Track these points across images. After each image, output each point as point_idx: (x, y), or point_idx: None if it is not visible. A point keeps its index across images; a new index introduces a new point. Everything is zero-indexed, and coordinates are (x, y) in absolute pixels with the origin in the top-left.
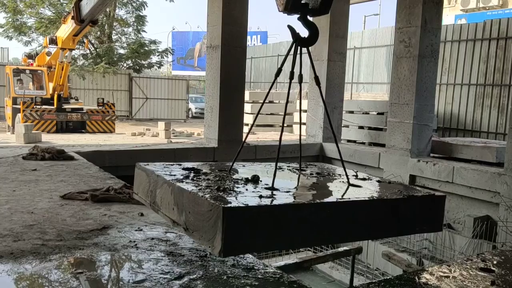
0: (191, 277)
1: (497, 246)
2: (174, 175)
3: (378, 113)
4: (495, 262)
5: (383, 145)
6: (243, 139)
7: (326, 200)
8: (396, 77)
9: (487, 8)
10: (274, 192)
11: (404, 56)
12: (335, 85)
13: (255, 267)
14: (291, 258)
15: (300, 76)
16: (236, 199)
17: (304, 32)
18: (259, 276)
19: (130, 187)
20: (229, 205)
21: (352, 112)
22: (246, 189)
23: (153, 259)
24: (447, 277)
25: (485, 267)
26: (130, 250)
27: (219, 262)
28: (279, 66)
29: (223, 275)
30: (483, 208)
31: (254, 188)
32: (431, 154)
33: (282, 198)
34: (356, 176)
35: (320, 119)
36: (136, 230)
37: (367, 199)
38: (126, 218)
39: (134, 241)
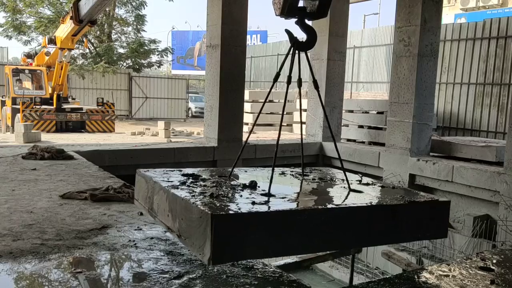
0: (191, 276)
1: (497, 245)
2: (172, 181)
3: (378, 112)
4: (494, 261)
5: (383, 144)
6: (243, 143)
7: (320, 206)
8: (395, 76)
9: (487, 7)
10: (270, 199)
11: (404, 55)
12: (335, 84)
13: (255, 266)
14: (291, 257)
15: (299, 80)
16: (228, 205)
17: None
18: (259, 275)
19: (129, 186)
20: (218, 212)
21: (352, 111)
22: (241, 196)
23: (153, 258)
24: (447, 276)
25: (485, 266)
26: (130, 249)
27: None
28: (279, 66)
29: (223, 274)
30: (482, 207)
31: (250, 194)
32: (431, 153)
33: (277, 204)
34: (360, 181)
35: (320, 118)
36: (135, 230)
37: (364, 205)
38: (125, 218)
39: (134, 241)
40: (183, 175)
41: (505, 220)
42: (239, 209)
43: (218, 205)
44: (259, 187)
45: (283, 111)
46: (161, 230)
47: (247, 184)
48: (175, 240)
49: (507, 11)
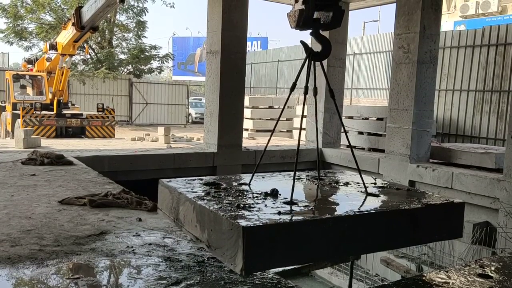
0: (188, 282)
1: (496, 252)
2: (196, 192)
3: (378, 119)
4: (493, 268)
5: (382, 151)
6: (263, 149)
7: (342, 213)
8: (395, 83)
9: (486, 14)
10: (293, 207)
11: (403, 62)
12: (335, 91)
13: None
14: None
15: (315, 89)
16: (256, 216)
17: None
18: (257, 282)
19: (128, 192)
20: (248, 224)
21: (351, 117)
22: (265, 205)
23: (151, 264)
24: (446, 283)
25: (483, 273)
26: (128, 255)
27: (217, 267)
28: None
29: (221, 280)
30: (482, 214)
31: (273, 203)
32: (430, 160)
33: (301, 213)
34: (375, 183)
35: (320, 125)
36: (134, 236)
37: (384, 210)
38: (124, 223)
39: (132, 247)
40: (205, 184)
41: (505, 227)
42: (267, 219)
43: (246, 216)
44: (280, 194)
45: (301, 118)
46: (159, 236)
47: (269, 192)
48: (173, 247)
49: (506, 19)
